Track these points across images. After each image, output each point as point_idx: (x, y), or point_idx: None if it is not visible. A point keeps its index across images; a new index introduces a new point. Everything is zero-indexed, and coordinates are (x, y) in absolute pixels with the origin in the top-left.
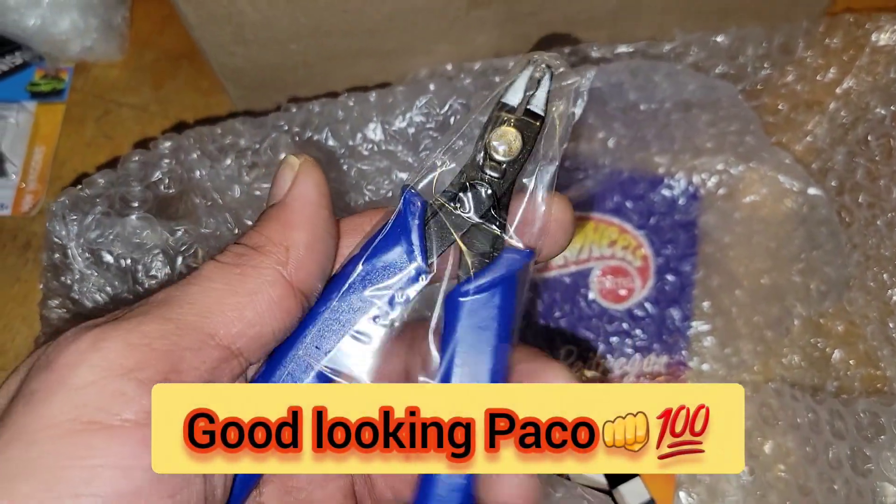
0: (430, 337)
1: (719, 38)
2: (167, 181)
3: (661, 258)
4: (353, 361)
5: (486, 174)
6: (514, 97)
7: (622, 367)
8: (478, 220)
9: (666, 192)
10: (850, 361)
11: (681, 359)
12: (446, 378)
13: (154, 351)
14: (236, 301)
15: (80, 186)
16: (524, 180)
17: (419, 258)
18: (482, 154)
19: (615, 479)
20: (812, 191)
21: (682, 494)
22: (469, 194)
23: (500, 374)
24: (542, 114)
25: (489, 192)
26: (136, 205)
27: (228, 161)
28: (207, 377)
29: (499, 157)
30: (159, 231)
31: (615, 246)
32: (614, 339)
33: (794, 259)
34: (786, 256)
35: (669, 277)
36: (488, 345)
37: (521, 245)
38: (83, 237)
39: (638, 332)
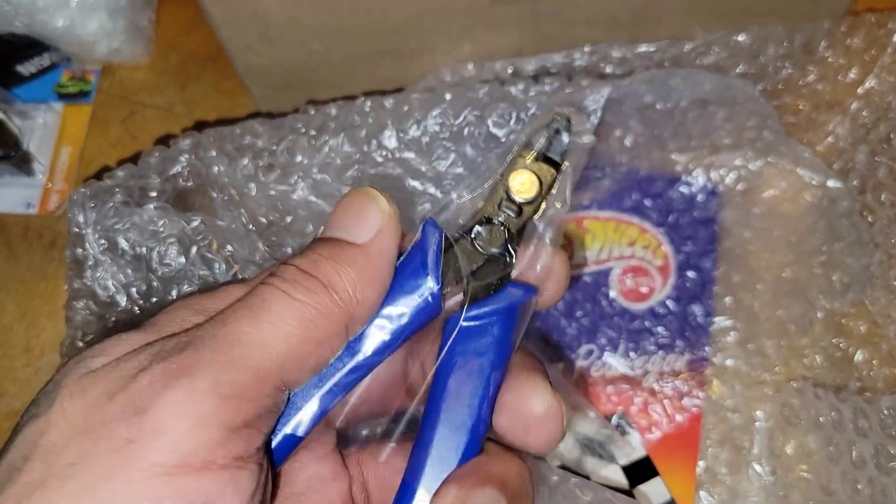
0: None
1: (740, 38)
2: (185, 174)
3: (682, 255)
4: None
5: (503, 212)
6: (535, 143)
7: (643, 366)
8: (490, 252)
9: (684, 190)
10: (874, 361)
11: (703, 355)
12: (435, 398)
13: (239, 401)
14: (307, 350)
15: (101, 178)
16: (536, 221)
17: (433, 284)
18: (501, 193)
19: (635, 479)
20: (832, 183)
21: (702, 494)
22: (485, 228)
23: (488, 401)
24: (560, 162)
25: (503, 228)
26: (153, 195)
27: (245, 161)
28: (266, 413)
29: (516, 198)
30: (175, 220)
31: (635, 245)
32: (636, 338)
33: (816, 252)
34: (807, 250)
35: (690, 274)
36: (482, 372)
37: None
38: (100, 224)
39: (660, 329)
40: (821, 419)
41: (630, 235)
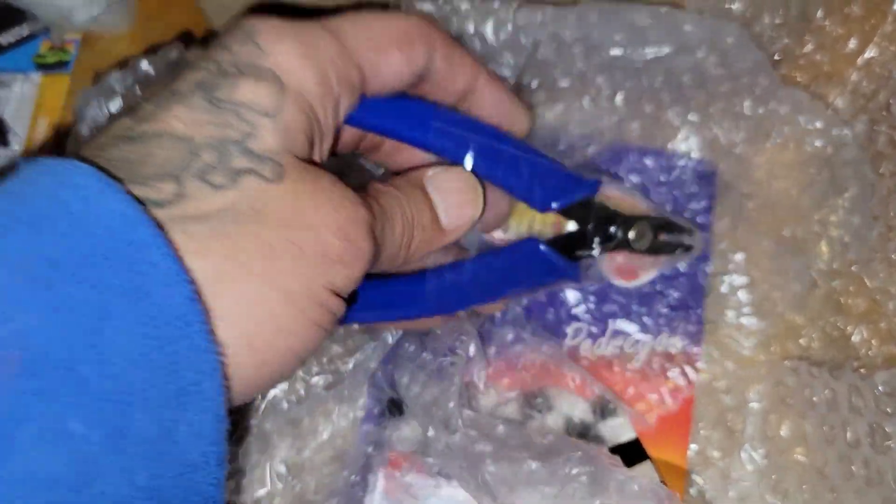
0: None
1: (734, 6)
2: None
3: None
4: None
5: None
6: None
7: (633, 346)
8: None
9: (678, 158)
10: (872, 341)
11: (695, 334)
12: None
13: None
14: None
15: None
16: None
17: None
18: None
19: (623, 462)
20: (836, 131)
21: (694, 478)
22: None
23: None
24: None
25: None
26: None
27: None
28: None
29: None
30: None
31: None
32: (625, 317)
33: (818, 206)
34: (809, 204)
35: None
36: None
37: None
38: None
39: (649, 308)
40: (815, 399)
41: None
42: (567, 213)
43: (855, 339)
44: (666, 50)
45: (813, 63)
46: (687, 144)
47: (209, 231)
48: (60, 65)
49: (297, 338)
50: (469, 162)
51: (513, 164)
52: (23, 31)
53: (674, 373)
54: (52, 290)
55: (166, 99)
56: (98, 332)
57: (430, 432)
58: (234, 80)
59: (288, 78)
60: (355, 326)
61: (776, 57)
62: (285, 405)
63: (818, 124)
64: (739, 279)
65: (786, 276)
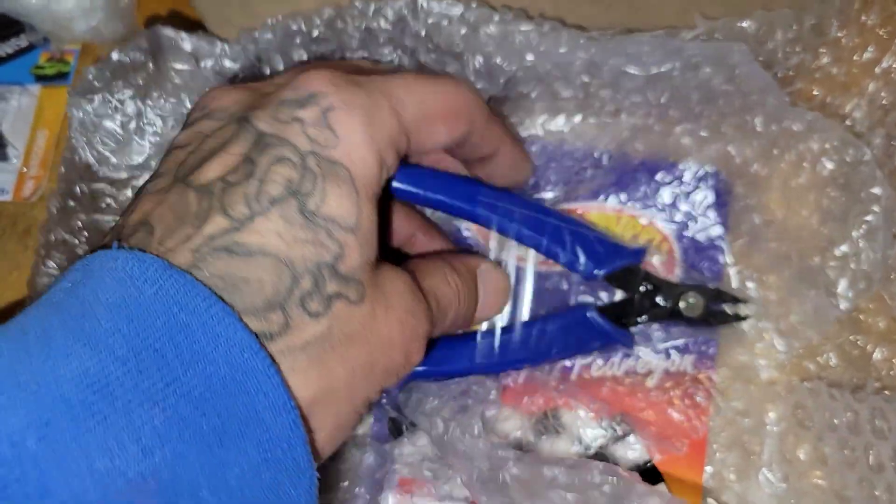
0: None
1: (745, 24)
2: None
3: (688, 248)
4: None
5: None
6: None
7: (646, 366)
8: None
9: (689, 173)
10: (893, 360)
11: (710, 353)
12: None
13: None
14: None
15: None
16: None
17: None
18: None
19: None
20: (852, 151)
21: (710, 501)
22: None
23: None
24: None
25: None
26: None
27: None
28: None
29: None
30: None
31: (639, 238)
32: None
33: (835, 225)
34: (826, 223)
35: (696, 268)
36: None
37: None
38: None
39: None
40: (836, 421)
41: (633, 228)
42: (615, 281)
43: (875, 358)
44: (669, 65)
45: (829, 76)
46: (698, 162)
47: (307, 360)
48: (60, 76)
49: (349, 431)
50: (515, 232)
51: (557, 234)
52: (21, 42)
53: (688, 394)
54: (184, 423)
55: (259, 199)
56: (218, 456)
57: (449, 435)
58: (321, 185)
59: (357, 170)
60: None
61: (791, 72)
62: None
63: (834, 143)
64: (755, 302)
65: (803, 296)
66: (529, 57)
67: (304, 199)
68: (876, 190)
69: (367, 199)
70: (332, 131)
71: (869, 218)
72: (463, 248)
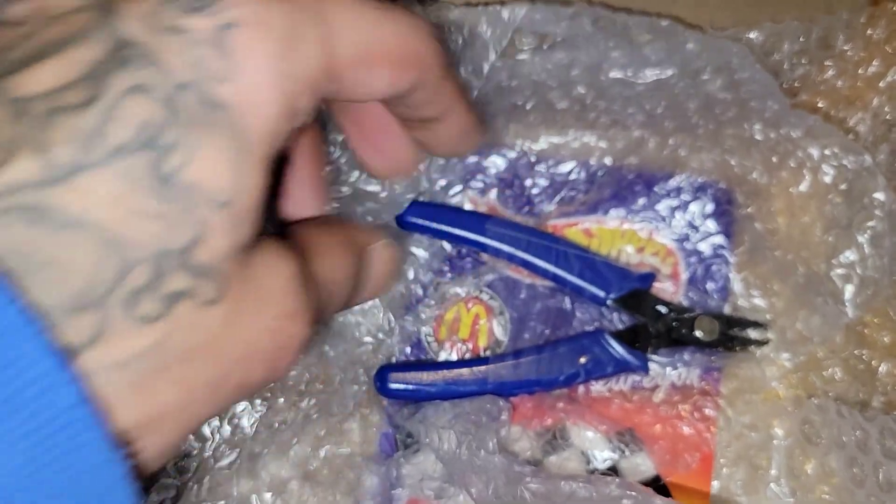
0: None
1: (752, 35)
2: None
3: (692, 259)
4: None
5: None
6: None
7: (653, 380)
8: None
9: (690, 183)
10: None
11: (716, 367)
12: None
13: None
14: None
15: None
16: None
17: None
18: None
19: None
20: (853, 157)
21: None
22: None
23: None
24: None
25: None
26: None
27: None
28: None
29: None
30: None
31: (644, 252)
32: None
33: (839, 237)
34: (830, 235)
35: (701, 281)
36: None
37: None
38: None
39: None
40: (844, 439)
41: (637, 241)
42: (625, 305)
43: (881, 372)
44: (669, 72)
45: (833, 88)
46: (697, 172)
47: (127, 382)
48: None
49: (179, 448)
50: (523, 261)
51: (565, 261)
52: None
53: (697, 406)
54: None
55: (96, 143)
56: None
57: (464, 454)
58: (190, 137)
59: (251, 120)
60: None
61: (796, 83)
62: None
63: (835, 150)
64: (760, 311)
65: (808, 308)
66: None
67: (162, 155)
68: (879, 195)
69: (257, 162)
70: (228, 57)
71: (873, 223)
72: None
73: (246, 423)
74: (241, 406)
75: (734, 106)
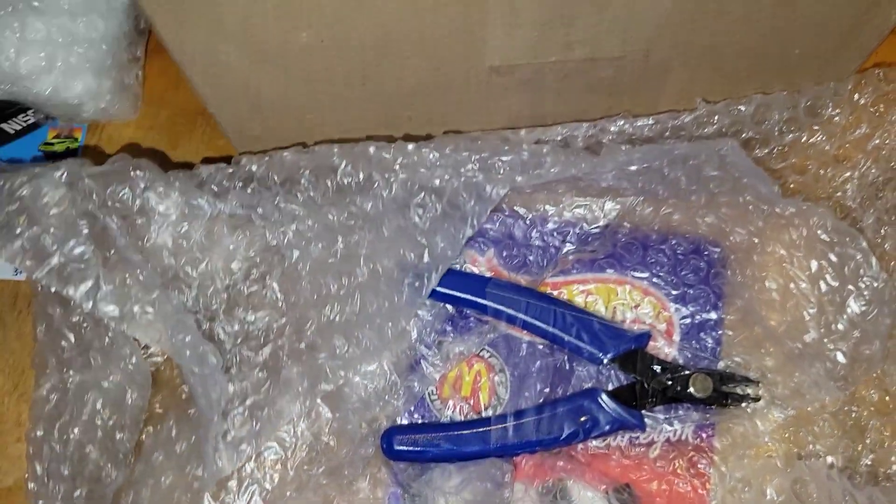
0: None
1: (743, 108)
2: None
3: (686, 318)
4: None
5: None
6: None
7: (648, 436)
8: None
9: (686, 246)
10: (886, 433)
11: (710, 423)
12: None
13: None
14: None
15: None
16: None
17: None
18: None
19: None
20: (841, 235)
21: None
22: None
23: None
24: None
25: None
26: None
27: None
28: None
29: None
30: None
31: (639, 308)
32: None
33: (828, 301)
34: (819, 298)
35: (695, 337)
36: None
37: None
38: None
39: None
40: (833, 501)
41: (634, 298)
42: (621, 364)
43: (869, 429)
44: (658, 163)
45: (822, 151)
46: (692, 235)
47: None
48: (70, 153)
49: None
50: (523, 322)
51: (563, 322)
52: (28, 118)
53: (692, 462)
54: None
55: None
56: None
57: None
58: None
59: None
60: None
61: (785, 149)
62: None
63: (827, 227)
64: (752, 369)
65: (800, 372)
66: (519, 178)
67: None
68: (870, 274)
69: None
70: None
71: (863, 304)
72: None
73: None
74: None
75: (727, 181)
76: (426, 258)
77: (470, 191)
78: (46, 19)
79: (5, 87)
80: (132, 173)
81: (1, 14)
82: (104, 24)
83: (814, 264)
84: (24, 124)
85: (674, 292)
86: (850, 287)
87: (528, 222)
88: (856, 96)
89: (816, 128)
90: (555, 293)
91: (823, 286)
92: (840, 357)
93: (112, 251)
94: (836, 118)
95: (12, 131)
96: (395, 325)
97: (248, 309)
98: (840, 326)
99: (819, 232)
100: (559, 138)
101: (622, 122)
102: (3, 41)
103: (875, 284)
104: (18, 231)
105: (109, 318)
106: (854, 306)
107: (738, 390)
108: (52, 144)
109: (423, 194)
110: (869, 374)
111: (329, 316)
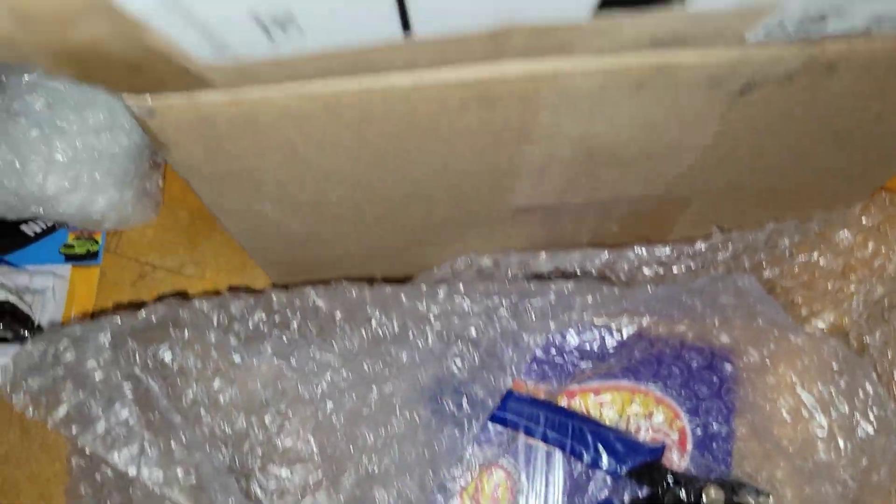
0: None
1: (756, 235)
2: None
3: (699, 429)
4: None
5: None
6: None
7: None
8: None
9: (700, 360)
10: None
11: None
12: None
13: None
14: None
15: None
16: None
17: None
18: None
19: None
20: (848, 363)
21: None
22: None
23: None
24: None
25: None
26: None
27: None
28: None
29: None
30: None
31: (652, 417)
32: None
33: (839, 429)
34: (825, 414)
35: (707, 449)
36: None
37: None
38: None
39: None
40: None
41: (647, 406)
42: (637, 476)
43: None
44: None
45: (831, 270)
46: (707, 350)
47: None
48: (90, 255)
49: None
50: (542, 434)
51: (580, 435)
52: (48, 221)
53: None
54: None
55: None
56: None
57: None
58: None
59: None
60: None
61: (796, 269)
62: None
63: (839, 356)
64: (762, 479)
65: (807, 483)
66: (552, 325)
67: None
68: (879, 403)
69: None
70: None
71: (872, 431)
72: None
73: None
74: None
75: (741, 308)
76: (465, 407)
77: (507, 339)
78: (71, 139)
79: (33, 208)
80: (172, 333)
81: (27, 137)
82: (127, 139)
83: (824, 390)
84: (45, 226)
85: (687, 403)
86: (858, 415)
87: (548, 339)
88: (863, 219)
89: (824, 247)
90: (571, 401)
91: (833, 412)
92: (850, 482)
93: (156, 412)
94: (844, 242)
95: (32, 234)
96: (436, 475)
97: (283, 464)
98: (849, 451)
99: (830, 360)
100: (577, 266)
101: (640, 250)
102: (31, 165)
103: (883, 414)
104: (63, 396)
105: (154, 483)
106: (862, 433)
107: (750, 499)
108: (72, 247)
109: (459, 343)
110: (880, 500)
111: (368, 467)
